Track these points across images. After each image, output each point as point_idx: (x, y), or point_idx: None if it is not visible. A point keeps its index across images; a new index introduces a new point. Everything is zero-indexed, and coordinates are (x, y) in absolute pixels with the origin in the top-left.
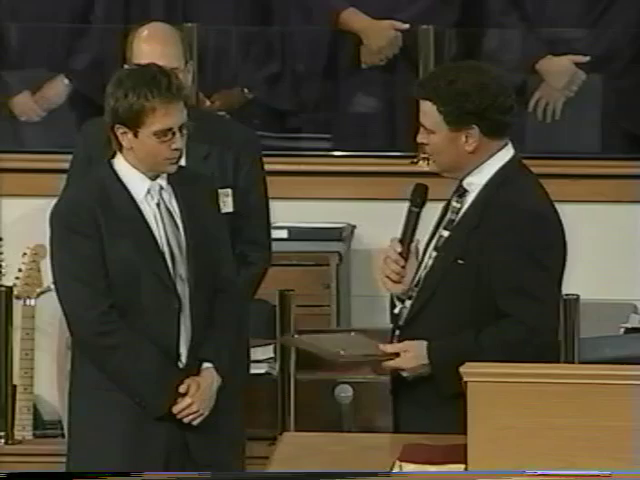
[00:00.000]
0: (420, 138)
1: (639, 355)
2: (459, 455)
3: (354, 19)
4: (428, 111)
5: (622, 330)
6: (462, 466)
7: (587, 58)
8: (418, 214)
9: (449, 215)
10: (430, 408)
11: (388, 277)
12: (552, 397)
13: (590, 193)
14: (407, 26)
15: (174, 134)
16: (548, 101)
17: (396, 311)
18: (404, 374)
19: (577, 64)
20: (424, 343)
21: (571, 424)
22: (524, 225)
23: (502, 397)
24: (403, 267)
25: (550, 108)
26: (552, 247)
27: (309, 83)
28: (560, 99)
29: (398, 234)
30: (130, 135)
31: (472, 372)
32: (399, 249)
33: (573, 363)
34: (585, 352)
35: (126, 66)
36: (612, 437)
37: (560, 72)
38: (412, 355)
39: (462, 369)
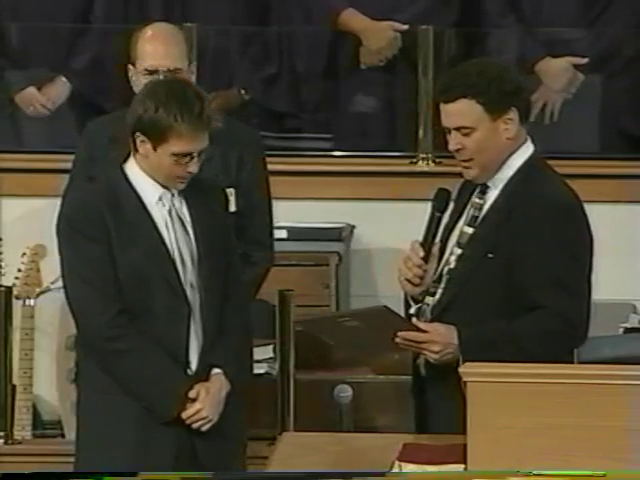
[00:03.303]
0: (454, 145)
1: (638, 355)
2: (459, 455)
3: (353, 20)
4: (465, 108)
5: (621, 330)
6: (462, 466)
7: (586, 60)
8: (440, 218)
9: (470, 212)
10: (457, 402)
11: (408, 280)
12: (552, 397)
13: (590, 193)
14: (406, 27)
15: (192, 158)
16: (547, 102)
17: (412, 311)
18: (431, 358)
19: (576, 65)
20: (453, 327)
21: (570, 424)
22: (557, 217)
23: (502, 397)
24: (425, 270)
25: (549, 109)
26: (584, 239)
27: (308, 83)
28: (559, 100)
29: (397, 234)
30: (149, 146)
31: (472, 372)
32: (422, 253)
33: (572, 363)
34: (584, 352)
35: (130, 66)
36: (611, 437)
37: (559, 74)
38: (442, 333)
39: (462, 369)
